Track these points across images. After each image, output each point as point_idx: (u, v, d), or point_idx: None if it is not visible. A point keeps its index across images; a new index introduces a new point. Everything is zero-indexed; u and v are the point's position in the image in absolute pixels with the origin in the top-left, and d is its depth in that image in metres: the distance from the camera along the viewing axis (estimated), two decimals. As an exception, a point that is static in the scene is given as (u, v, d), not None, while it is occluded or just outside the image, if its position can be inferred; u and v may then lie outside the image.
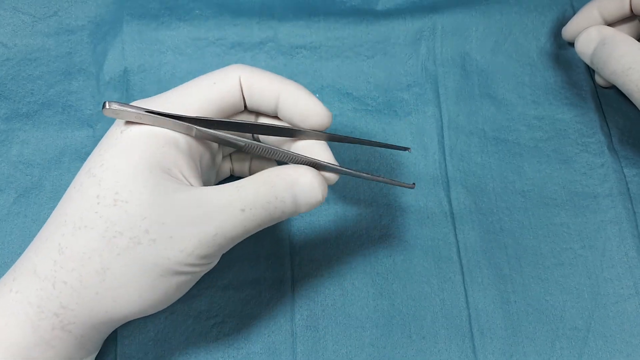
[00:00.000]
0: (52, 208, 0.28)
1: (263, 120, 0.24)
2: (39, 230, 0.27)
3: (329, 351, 0.26)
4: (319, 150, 0.23)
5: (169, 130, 0.20)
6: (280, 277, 0.28)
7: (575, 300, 0.28)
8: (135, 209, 0.19)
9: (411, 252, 0.28)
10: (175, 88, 0.22)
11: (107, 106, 0.19)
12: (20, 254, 0.27)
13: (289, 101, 0.22)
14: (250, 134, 0.24)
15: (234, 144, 0.21)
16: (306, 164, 0.22)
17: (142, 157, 0.19)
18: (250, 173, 0.27)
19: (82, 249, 0.19)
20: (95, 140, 0.30)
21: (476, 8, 0.33)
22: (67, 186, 0.28)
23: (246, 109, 0.23)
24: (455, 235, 0.29)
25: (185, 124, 0.21)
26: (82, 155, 0.30)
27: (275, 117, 0.23)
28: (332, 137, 0.24)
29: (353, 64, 0.32)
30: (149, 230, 0.19)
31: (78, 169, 0.29)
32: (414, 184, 0.25)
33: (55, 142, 0.30)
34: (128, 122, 0.20)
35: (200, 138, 0.21)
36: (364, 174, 0.23)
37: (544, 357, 0.27)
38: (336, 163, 0.22)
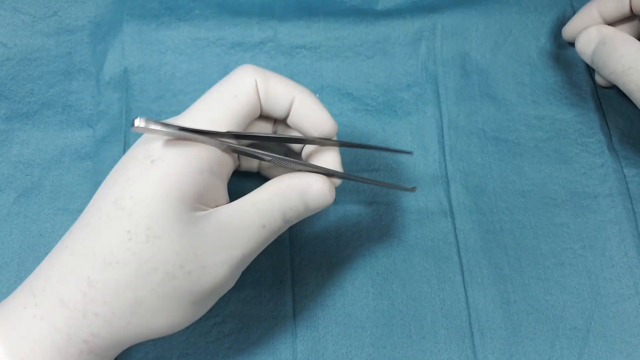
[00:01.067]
0: (53, 208, 0.28)
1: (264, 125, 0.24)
2: (38, 230, 0.28)
3: (329, 351, 0.26)
4: (331, 157, 0.23)
5: (202, 155, 0.20)
6: (280, 277, 0.28)
7: (575, 300, 0.28)
8: (168, 245, 0.19)
9: (411, 252, 0.28)
10: (196, 104, 0.22)
11: (136, 124, 0.18)
12: (20, 254, 0.27)
13: (301, 110, 0.22)
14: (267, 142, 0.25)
15: (261, 156, 0.22)
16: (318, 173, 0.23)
17: (176, 188, 0.19)
18: (259, 170, 0.28)
19: (115, 284, 0.18)
20: (96, 141, 0.30)
21: (476, 8, 0.33)
22: (68, 186, 0.29)
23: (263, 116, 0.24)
24: (455, 235, 0.29)
25: (217, 139, 0.20)
26: (82, 155, 0.30)
27: (283, 120, 0.24)
28: (340, 144, 0.24)
29: (353, 63, 0.32)
30: (183, 265, 0.19)
31: (78, 169, 0.29)
32: (414, 187, 0.26)
33: (55, 142, 0.30)
34: (157, 150, 0.20)
35: (228, 151, 0.21)
36: (369, 180, 0.24)
37: (544, 357, 0.27)
38: (342, 170, 0.23)
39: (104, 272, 0.18)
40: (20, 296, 0.20)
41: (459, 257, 0.28)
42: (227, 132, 0.21)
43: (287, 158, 0.22)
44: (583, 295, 0.28)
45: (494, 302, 0.28)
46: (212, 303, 0.22)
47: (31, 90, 0.31)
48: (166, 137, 0.20)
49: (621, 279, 0.28)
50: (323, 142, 0.23)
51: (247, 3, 0.33)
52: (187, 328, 0.26)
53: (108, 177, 0.21)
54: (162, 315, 0.19)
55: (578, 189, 0.30)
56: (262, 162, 0.27)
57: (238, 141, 0.22)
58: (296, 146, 0.25)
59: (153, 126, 0.18)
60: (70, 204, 0.29)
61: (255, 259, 0.28)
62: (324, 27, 0.32)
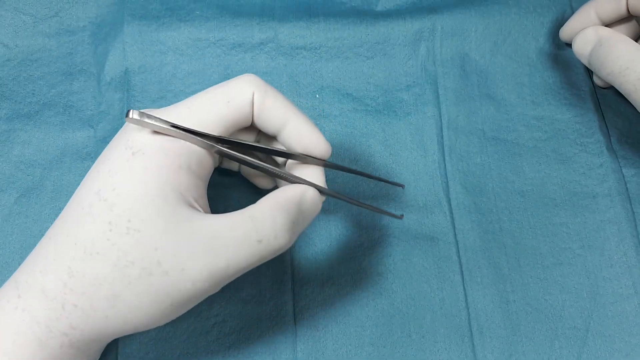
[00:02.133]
0: (54, 208, 0.28)
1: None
2: (39, 230, 0.28)
3: (329, 350, 0.27)
4: (315, 174, 0.23)
5: (181, 152, 0.20)
6: (280, 276, 0.28)
7: (574, 300, 0.28)
8: (147, 239, 0.19)
9: (411, 252, 0.28)
10: (187, 101, 0.22)
11: (130, 115, 0.19)
12: (22, 254, 0.27)
13: (293, 133, 0.22)
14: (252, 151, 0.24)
15: (252, 164, 0.22)
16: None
17: (155, 182, 0.19)
18: (240, 171, 0.27)
19: (94, 276, 0.19)
20: (97, 141, 0.30)
21: (475, 9, 0.33)
22: (69, 186, 0.29)
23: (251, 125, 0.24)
24: (455, 235, 0.29)
25: (208, 142, 0.21)
26: (83, 155, 0.30)
27: (270, 137, 0.24)
28: (331, 166, 0.24)
29: (353, 64, 0.32)
30: (161, 262, 0.19)
31: (79, 169, 0.29)
32: (402, 215, 0.26)
33: (57, 142, 0.30)
34: (138, 142, 0.20)
35: (218, 154, 0.22)
36: (354, 201, 0.24)
37: (543, 356, 0.27)
38: (326, 187, 0.23)
39: (84, 262, 0.19)
40: (5, 289, 0.20)
41: (459, 256, 0.28)
42: (218, 136, 0.21)
43: (276, 169, 0.22)
44: (582, 294, 0.28)
45: (493, 302, 0.28)
46: (191, 307, 0.21)
47: (32, 91, 0.31)
48: (154, 130, 0.20)
49: (620, 279, 0.28)
50: (311, 159, 0.23)
51: (247, 4, 0.33)
52: (188, 327, 0.26)
53: (92, 168, 0.21)
54: (139, 312, 0.19)
55: (577, 189, 0.30)
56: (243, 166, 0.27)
57: (237, 152, 0.22)
58: (280, 159, 0.25)
59: (147, 120, 0.19)
60: (71, 204, 0.29)
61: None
62: (324, 28, 0.32)
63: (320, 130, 0.29)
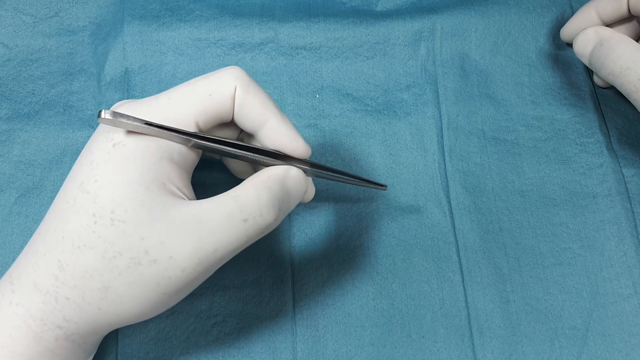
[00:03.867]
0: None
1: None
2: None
3: (329, 350, 0.27)
4: (294, 161, 0.23)
5: (162, 143, 0.20)
6: (280, 276, 0.28)
7: (574, 300, 0.28)
8: (133, 229, 0.18)
9: (411, 252, 0.28)
10: (169, 92, 0.21)
11: (102, 115, 0.19)
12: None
13: (272, 133, 0.22)
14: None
15: (231, 154, 0.22)
16: None
17: (137, 173, 0.19)
18: (221, 159, 0.27)
19: (83, 268, 0.19)
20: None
21: (475, 9, 0.33)
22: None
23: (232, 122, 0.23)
24: (455, 235, 0.29)
25: (184, 137, 0.20)
26: (83, 155, 0.30)
27: (248, 135, 0.23)
28: (313, 165, 0.24)
29: (353, 64, 0.32)
30: (149, 251, 0.19)
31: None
32: (385, 185, 0.26)
33: (57, 142, 0.30)
34: (119, 133, 0.20)
35: (196, 148, 0.21)
36: (337, 177, 0.24)
37: (543, 356, 0.27)
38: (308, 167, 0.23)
39: (72, 255, 0.19)
40: (1, 285, 0.20)
41: (459, 256, 0.28)
42: (194, 132, 0.21)
43: (257, 155, 0.22)
44: (582, 294, 0.28)
45: (493, 302, 0.28)
46: (185, 295, 0.21)
47: (32, 91, 0.31)
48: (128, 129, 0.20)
49: (620, 279, 0.28)
50: (294, 160, 0.23)
51: (247, 4, 0.33)
52: (188, 327, 0.26)
53: (76, 161, 0.21)
54: (131, 303, 0.19)
55: (577, 188, 0.30)
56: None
57: (215, 144, 0.21)
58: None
59: (120, 119, 0.19)
60: (71, 204, 0.29)
61: (255, 258, 0.28)
62: (324, 28, 0.32)
63: (320, 130, 0.29)
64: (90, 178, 0.19)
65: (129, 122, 0.19)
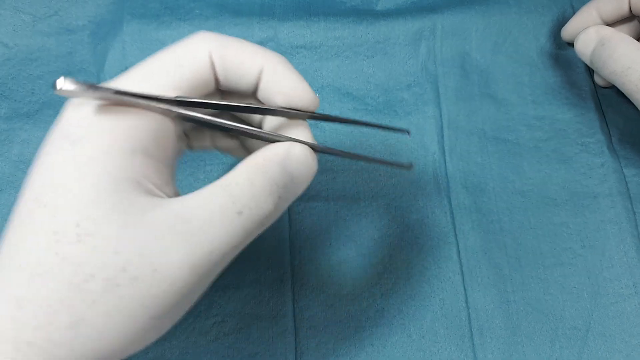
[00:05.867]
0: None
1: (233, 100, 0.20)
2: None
3: (329, 350, 0.26)
4: (300, 132, 0.19)
5: (131, 132, 0.16)
6: (280, 276, 0.28)
7: (574, 300, 0.28)
8: (104, 243, 0.15)
9: (411, 252, 0.28)
10: (135, 67, 0.18)
11: (58, 86, 0.15)
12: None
13: (272, 81, 0.18)
14: (224, 112, 0.21)
15: (221, 126, 0.18)
16: None
17: (104, 173, 0.15)
18: (214, 146, 0.23)
19: (46, 302, 0.15)
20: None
21: (476, 8, 0.33)
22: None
23: (217, 89, 0.19)
24: (455, 235, 0.29)
25: (164, 107, 0.17)
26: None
27: (250, 96, 0.20)
28: (320, 117, 0.21)
29: (353, 63, 0.32)
30: (126, 268, 0.15)
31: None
32: (411, 163, 0.22)
33: None
34: (77, 128, 0.16)
35: (177, 119, 0.18)
36: (355, 155, 0.20)
37: (544, 356, 0.27)
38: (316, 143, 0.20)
39: (31, 287, 0.15)
40: None
41: (459, 256, 0.28)
42: (174, 97, 0.17)
43: (251, 128, 0.18)
44: (583, 295, 0.28)
45: (494, 302, 0.28)
46: (180, 314, 0.17)
47: (32, 90, 0.31)
48: (98, 103, 0.16)
49: (621, 279, 0.28)
50: (295, 114, 0.19)
51: (247, 3, 0.33)
52: (187, 327, 0.26)
53: (29, 169, 0.17)
54: (112, 336, 0.15)
55: (578, 188, 0.30)
56: (217, 136, 0.23)
57: (199, 112, 0.18)
58: (272, 123, 0.21)
59: (83, 89, 0.15)
60: (70, 204, 0.29)
61: (255, 258, 0.28)
62: (324, 27, 0.32)
63: (321, 129, 0.28)
64: (47, 188, 0.16)
65: (95, 93, 0.15)
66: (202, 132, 0.22)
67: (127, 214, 0.15)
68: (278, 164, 0.18)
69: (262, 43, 0.32)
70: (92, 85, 0.15)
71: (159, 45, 0.31)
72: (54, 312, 0.15)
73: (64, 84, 0.15)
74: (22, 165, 0.29)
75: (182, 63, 0.18)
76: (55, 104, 0.31)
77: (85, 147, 0.16)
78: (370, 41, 0.32)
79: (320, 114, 0.20)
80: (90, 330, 0.15)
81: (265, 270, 0.28)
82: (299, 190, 0.19)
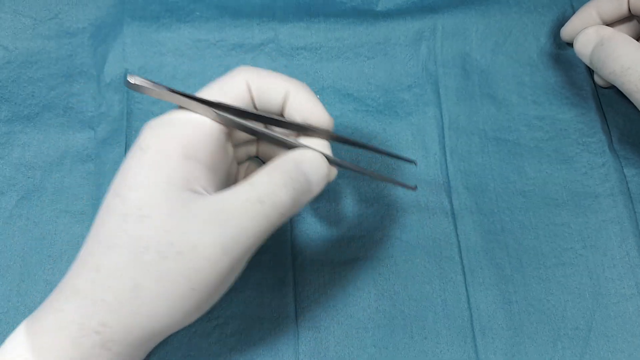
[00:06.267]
0: (54, 210, 0.28)
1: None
2: (40, 233, 0.28)
3: (331, 352, 0.26)
4: (320, 146, 0.23)
5: (187, 142, 0.21)
6: (282, 278, 0.28)
7: (576, 300, 0.27)
8: (157, 223, 0.19)
9: (412, 253, 0.28)
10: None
11: (131, 80, 0.20)
12: (23, 256, 0.28)
13: (295, 105, 0.23)
14: (263, 124, 0.25)
15: (251, 129, 0.22)
16: None
17: (163, 172, 0.20)
18: (258, 155, 0.28)
19: (115, 267, 0.19)
20: (97, 143, 0.30)
21: (476, 8, 0.33)
22: (69, 188, 0.29)
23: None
24: (457, 235, 0.29)
25: (206, 107, 0.21)
26: (83, 157, 0.30)
27: (280, 114, 0.24)
28: (338, 138, 0.24)
29: (353, 64, 0.32)
30: (174, 243, 0.19)
31: (79, 171, 0.29)
32: (415, 186, 0.26)
33: (57, 144, 0.30)
34: (146, 140, 0.21)
35: (219, 122, 0.22)
36: (366, 171, 0.24)
37: (546, 357, 0.27)
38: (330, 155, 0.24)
39: (106, 256, 0.19)
40: (50, 296, 0.21)
41: (460, 257, 0.28)
42: (218, 102, 0.21)
43: (277, 134, 0.22)
44: (584, 295, 0.28)
45: (496, 303, 0.28)
46: (215, 297, 0.21)
47: (32, 93, 0.31)
48: (161, 99, 0.21)
49: (622, 279, 0.28)
50: (318, 132, 0.23)
51: (247, 4, 0.33)
52: (189, 330, 0.26)
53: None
54: (162, 303, 0.19)
55: (579, 188, 0.30)
56: (260, 146, 0.27)
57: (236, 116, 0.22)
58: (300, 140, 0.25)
59: (145, 84, 0.20)
60: (72, 206, 0.29)
61: (257, 260, 0.28)
62: (325, 28, 0.32)
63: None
64: (122, 183, 0.20)
65: (154, 88, 0.20)
66: (246, 145, 0.27)
67: (176, 203, 0.19)
68: (292, 162, 0.21)
69: (262, 45, 0.32)
70: (153, 82, 0.20)
71: (158, 47, 0.31)
72: (121, 276, 0.19)
73: (134, 79, 0.20)
74: (23, 168, 0.29)
75: (225, 91, 0.22)
76: (55, 107, 0.31)
77: (150, 153, 0.20)
78: (371, 42, 0.32)
79: (336, 135, 0.24)
80: (146, 295, 0.19)
81: (267, 271, 0.28)
82: (314, 189, 0.22)
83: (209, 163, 0.21)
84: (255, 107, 0.23)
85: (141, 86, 0.20)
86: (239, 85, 0.22)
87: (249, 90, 0.22)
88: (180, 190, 0.20)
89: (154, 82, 0.20)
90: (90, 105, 0.31)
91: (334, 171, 0.24)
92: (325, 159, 0.22)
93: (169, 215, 0.19)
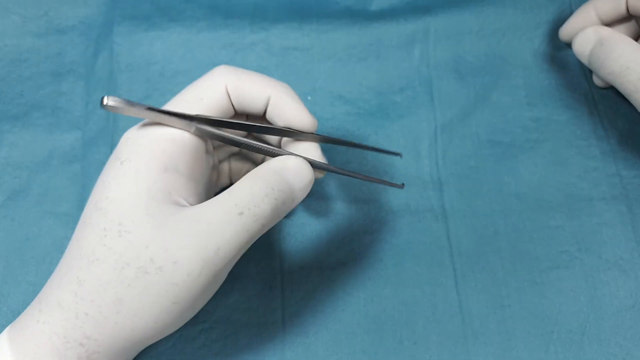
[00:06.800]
0: (40, 211, 0.28)
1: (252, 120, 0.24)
2: (25, 234, 0.28)
3: (319, 357, 0.26)
4: (309, 150, 0.23)
5: (166, 154, 0.21)
6: (269, 282, 0.27)
7: (570, 303, 0.27)
8: (138, 238, 0.19)
9: (403, 257, 0.28)
10: (166, 105, 0.22)
11: (105, 102, 0.19)
12: (6, 257, 0.27)
13: (277, 108, 0.22)
14: (245, 133, 0.24)
15: (232, 140, 0.22)
16: None
17: (143, 185, 0.20)
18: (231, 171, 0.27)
19: (98, 281, 0.19)
20: (84, 143, 0.30)
21: (470, 10, 0.33)
22: (55, 189, 0.29)
23: (235, 113, 0.24)
24: (448, 239, 0.29)
25: (185, 121, 0.21)
26: (70, 157, 0.30)
27: (262, 116, 0.24)
28: (325, 139, 0.24)
29: (345, 66, 0.32)
30: (154, 259, 0.19)
31: (66, 172, 0.29)
32: (403, 184, 0.26)
33: (44, 144, 0.30)
34: (125, 152, 0.21)
35: (198, 135, 0.22)
36: (353, 173, 0.24)
37: (538, 361, 0.26)
38: (326, 162, 0.23)
39: (88, 270, 0.19)
40: (30, 306, 0.21)
41: (452, 261, 0.28)
42: (196, 115, 0.21)
43: (259, 143, 0.22)
44: (579, 298, 0.27)
45: (488, 307, 0.27)
46: (198, 305, 0.21)
47: (21, 92, 0.31)
48: (139, 123, 0.21)
49: (617, 282, 0.28)
50: (304, 135, 0.23)
51: (239, 4, 0.33)
52: (174, 334, 0.26)
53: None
54: (144, 316, 0.19)
55: (573, 191, 0.30)
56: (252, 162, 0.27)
57: (216, 128, 0.22)
58: (272, 140, 0.25)
59: (122, 105, 0.19)
60: (57, 207, 0.28)
61: (244, 265, 0.27)
62: (317, 29, 0.32)
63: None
64: (102, 195, 0.20)
65: (131, 107, 0.20)
66: (241, 163, 0.27)
67: (157, 217, 0.19)
68: (275, 172, 0.21)
69: (254, 44, 0.32)
70: (129, 101, 0.20)
71: (148, 46, 0.31)
72: (104, 290, 0.19)
73: (108, 100, 0.19)
74: (9, 168, 0.29)
75: (202, 97, 0.22)
76: (43, 106, 0.31)
77: (130, 166, 0.20)
78: (363, 43, 0.32)
79: (323, 137, 0.24)
80: (128, 309, 0.19)
81: (255, 276, 0.27)
82: (298, 197, 0.22)
83: (189, 174, 0.21)
84: (235, 111, 0.23)
85: (117, 107, 0.19)
86: (218, 91, 0.22)
87: (228, 96, 0.22)
88: (161, 203, 0.20)
89: (130, 102, 0.20)
90: (79, 105, 0.31)
91: (321, 173, 0.24)
92: (309, 165, 0.22)
93: (149, 230, 0.19)
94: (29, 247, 0.28)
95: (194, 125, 0.21)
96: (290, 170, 0.21)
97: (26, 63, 0.31)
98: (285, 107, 0.22)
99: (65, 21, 0.32)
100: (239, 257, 0.21)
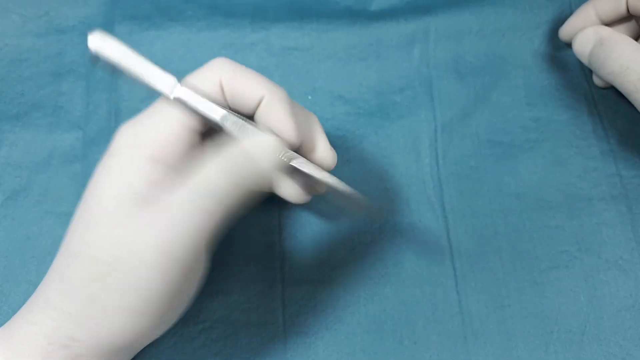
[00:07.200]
0: (40, 211, 0.28)
1: None
2: (26, 234, 0.28)
3: (319, 357, 0.26)
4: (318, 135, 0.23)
5: (157, 146, 0.20)
6: (270, 282, 0.27)
7: (570, 303, 0.27)
8: (107, 233, 0.19)
9: (403, 256, 0.28)
10: (156, 103, 0.22)
11: (90, 41, 0.20)
12: (7, 257, 0.27)
13: (266, 113, 0.22)
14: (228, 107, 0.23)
15: (209, 117, 0.21)
16: None
17: (125, 180, 0.19)
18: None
19: (75, 277, 0.19)
20: (85, 143, 0.30)
21: (470, 10, 0.33)
22: (56, 189, 0.29)
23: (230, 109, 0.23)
24: (448, 239, 0.29)
25: (164, 87, 0.21)
26: (70, 158, 0.29)
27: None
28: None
29: (345, 66, 0.32)
30: (120, 254, 0.18)
31: (67, 172, 0.29)
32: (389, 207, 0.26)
33: (45, 144, 0.30)
34: (112, 146, 0.20)
35: (177, 105, 0.21)
36: (321, 181, 0.22)
37: (538, 361, 0.26)
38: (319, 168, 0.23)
39: (69, 267, 0.19)
40: (24, 307, 0.20)
41: (452, 261, 0.28)
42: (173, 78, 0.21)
43: (238, 116, 0.21)
44: (579, 298, 0.27)
45: (488, 307, 0.27)
46: (181, 301, 0.20)
47: (21, 92, 0.31)
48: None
49: (617, 281, 0.28)
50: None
51: (239, 4, 0.33)
52: (174, 333, 0.26)
53: None
54: (120, 315, 0.18)
55: (573, 191, 0.30)
56: None
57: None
58: None
59: (106, 40, 0.20)
60: (57, 207, 0.28)
61: (244, 263, 0.27)
62: (317, 29, 0.32)
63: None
64: (89, 191, 0.20)
65: (118, 46, 0.21)
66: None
67: (129, 212, 0.19)
68: (233, 146, 0.20)
69: (254, 44, 0.32)
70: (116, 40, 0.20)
71: (149, 46, 0.31)
72: (79, 288, 0.19)
73: (95, 34, 0.19)
74: (10, 168, 0.29)
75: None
76: (44, 106, 0.31)
77: (116, 160, 0.20)
78: (363, 43, 0.32)
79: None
80: (102, 307, 0.18)
81: (255, 275, 0.27)
82: (264, 169, 0.20)
83: (178, 165, 0.20)
84: (228, 105, 0.22)
85: (106, 57, 0.20)
86: (212, 82, 0.21)
87: (222, 90, 0.21)
88: (139, 197, 0.19)
89: (118, 41, 0.20)
90: (79, 104, 0.31)
91: (333, 156, 0.23)
92: (279, 140, 0.21)
93: (117, 225, 0.19)
94: (29, 247, 0.28)
95: (173, 97, 0.20)
96: (252, 142, 0.20)
97: (26, 63, 0.31)
98: (272, 113, 0.21)
99: (65, 21, 0.32)
100: (212, 241, 0.20)
